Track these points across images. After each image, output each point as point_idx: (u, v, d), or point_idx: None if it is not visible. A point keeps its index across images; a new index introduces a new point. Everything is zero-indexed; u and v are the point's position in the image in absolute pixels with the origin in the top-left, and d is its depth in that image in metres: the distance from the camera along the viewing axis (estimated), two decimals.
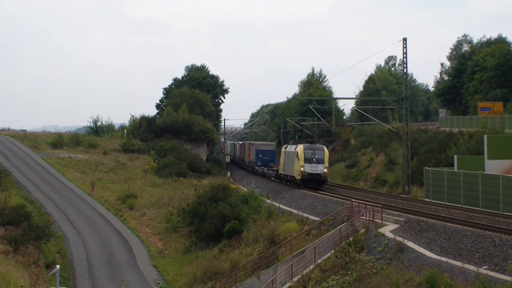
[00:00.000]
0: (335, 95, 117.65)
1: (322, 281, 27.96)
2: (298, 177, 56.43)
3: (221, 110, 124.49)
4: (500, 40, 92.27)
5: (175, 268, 47.49)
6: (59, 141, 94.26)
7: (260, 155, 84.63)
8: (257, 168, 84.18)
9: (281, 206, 51.14)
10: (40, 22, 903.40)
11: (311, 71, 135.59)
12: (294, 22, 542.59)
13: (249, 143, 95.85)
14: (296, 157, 56.47)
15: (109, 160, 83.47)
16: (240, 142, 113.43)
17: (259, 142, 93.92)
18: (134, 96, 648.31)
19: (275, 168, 74.80)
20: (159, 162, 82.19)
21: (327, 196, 49.52)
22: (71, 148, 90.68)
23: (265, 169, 79.52)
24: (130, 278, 42.92)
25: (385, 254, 27.05)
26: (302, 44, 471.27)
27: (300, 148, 56.43)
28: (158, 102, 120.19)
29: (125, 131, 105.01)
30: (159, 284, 43.16)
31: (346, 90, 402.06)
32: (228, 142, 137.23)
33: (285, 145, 67.00)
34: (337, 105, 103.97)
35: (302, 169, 55.29)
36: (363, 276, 26.25)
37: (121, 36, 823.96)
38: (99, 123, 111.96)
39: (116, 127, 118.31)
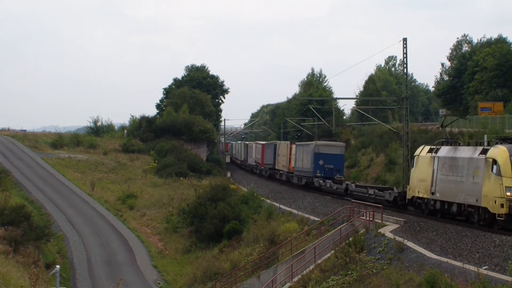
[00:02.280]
0: (335, 95, 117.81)
1: (322, 281, 27.94)
2: (501, 211, 27.32)
3: (221, 110, 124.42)
4: (500, 40, 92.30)
5: (175, 268, 47.51)
6: (59, 141, 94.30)
7: (321, 162, 54.08)
8: (321, 182, 53.05)
9: (281, 206, 51.12)
10: (40, 22, 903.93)
11: (310, 71, 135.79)
12: (293, 22, 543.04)
13: (292, 143, 65.81)
14: (491, 169, 28.31)
15: (109, 160, 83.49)
16: (262, 142, 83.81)
17: (320, 142, 58.20)
18: (134, 96, 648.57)
19: (352, 184, 48.36)
20: (159, 162, 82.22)
21: (328, 196, 49.49)
22: (71, 148, 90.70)
23: (351, 185, 47.35)
24: (130, 278, 42.94)
25: (385, 254, 27.04)
26: (302, 44, 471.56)
27: (501, 152, 28.34)
28: (158, 102, 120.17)
29: (125, 131, 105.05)
30: (159, 284, 43.18)
31: (346, 90, 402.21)
32: (237, 142, 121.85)
33: (424, 146, 37.74)
34: (337, 105, 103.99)
35: (508, 193, 27.29)
36: (363, 276, 26.24)
37: (121, 36, 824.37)
38: (99, 123, 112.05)
39: (116, 127, 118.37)
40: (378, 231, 30.32)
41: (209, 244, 50.61)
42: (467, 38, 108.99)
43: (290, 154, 63.84)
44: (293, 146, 63.49)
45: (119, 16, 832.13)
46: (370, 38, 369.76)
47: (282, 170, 68.77)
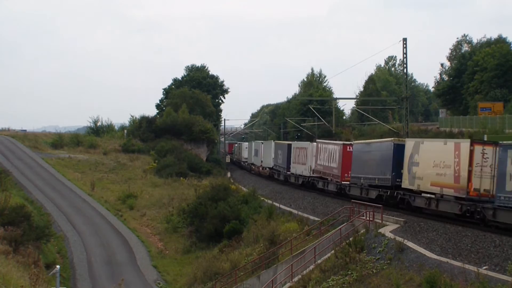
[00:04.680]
0: (335, 95, 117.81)
1: (322, 281, 27.93)
2: None
3: (221, 110, 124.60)
4: (500, 40, 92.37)
5: (175, 268, 47.52)
6: (59, 141, 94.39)
7: None
8: None
9: (281, 206, 51.10)
10: (40, 22, 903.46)
11: (310, 71, 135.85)
12: (293, 22, 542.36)
13: (477, 143, 30.65)
14: None
15: (109, 160, 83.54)
16: (340, 142, 51.50)
17: None
18: (134, 96, 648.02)
19: None
20: (159, 162, 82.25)
21: (327, 197, 49.49)
22: (71, 148, 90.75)
23: None
24: (130, 279, 42.95)
25: (385, 254, 27.05)
26: (302, 44, 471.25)
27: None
28: (158, 102, 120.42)
29: (125, 131, 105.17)
30: (159, 284, 43.20)
31: (346, 90, 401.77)
32: (255, 142, 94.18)
33: None
34: (337, 105, 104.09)
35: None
36: (363, 276, 26.24)
37: (121, 36, 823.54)
38: (99, 123, 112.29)
39: (116, 127, 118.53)
40: (378, 231, 30.33)
41: (209, 244, 50.61)
42: (467, 38, 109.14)
43: (471, 164, 30.11)
44: (490, 149, 29.94)
45: (119, 16, 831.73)
46: (370, 38, 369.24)
47: (436, 194, 32.66)
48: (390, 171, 38.41)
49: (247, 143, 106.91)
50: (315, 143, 56.51)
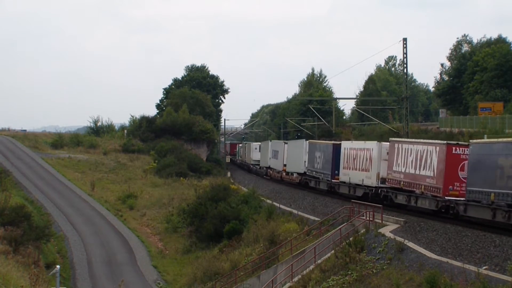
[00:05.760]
0: (335, 95, 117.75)
1: (322, 281, 27.94)
2: None
3: (221, 111, 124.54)
4: (500, 40, 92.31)
5: (175, 268, 47.53)
6: (59, 141, 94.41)
7: None
8: None
9: (281, 206, 51.09)
10: (40, 22, 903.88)
11: (311, 71, 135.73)
12: (293, 22, 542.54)
13: None
14: None
15: (109, 160, 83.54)
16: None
17: None
18: (134, 96, 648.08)
19: None
20: (159, 162, 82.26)
21: (328, 197, 49.46)
22: (71, 148, 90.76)
23: None
24: (130, 278, 42.98)
25: (385, 254, 27.05)
26: (302, 44, 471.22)
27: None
28: (158, 102, 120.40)
29: (125, 131, 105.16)
30: (159, 284, 43.21)
31: (346, 90, 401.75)
32: (270, 142, 78.57)
33: None
34: (337, 105, 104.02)
35: None
36: (363, 276, 26.24)
37: (121, 35, 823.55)
38: (99, 123, 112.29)
39: (116, 127, 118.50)
40: (378, 231, 30.33)
41: (209, 244, 50.61)
42: (467, 38, 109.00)
43: None
44: None
45: (119, 16, 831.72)
46: (370, 38, 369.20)
47: None
48: None
49: (257, 143, 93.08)
50: (386, 143, 41.99)
